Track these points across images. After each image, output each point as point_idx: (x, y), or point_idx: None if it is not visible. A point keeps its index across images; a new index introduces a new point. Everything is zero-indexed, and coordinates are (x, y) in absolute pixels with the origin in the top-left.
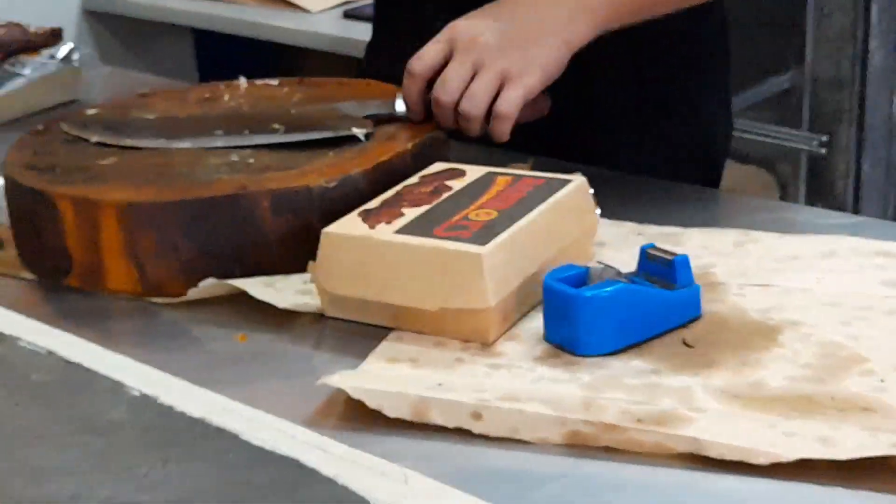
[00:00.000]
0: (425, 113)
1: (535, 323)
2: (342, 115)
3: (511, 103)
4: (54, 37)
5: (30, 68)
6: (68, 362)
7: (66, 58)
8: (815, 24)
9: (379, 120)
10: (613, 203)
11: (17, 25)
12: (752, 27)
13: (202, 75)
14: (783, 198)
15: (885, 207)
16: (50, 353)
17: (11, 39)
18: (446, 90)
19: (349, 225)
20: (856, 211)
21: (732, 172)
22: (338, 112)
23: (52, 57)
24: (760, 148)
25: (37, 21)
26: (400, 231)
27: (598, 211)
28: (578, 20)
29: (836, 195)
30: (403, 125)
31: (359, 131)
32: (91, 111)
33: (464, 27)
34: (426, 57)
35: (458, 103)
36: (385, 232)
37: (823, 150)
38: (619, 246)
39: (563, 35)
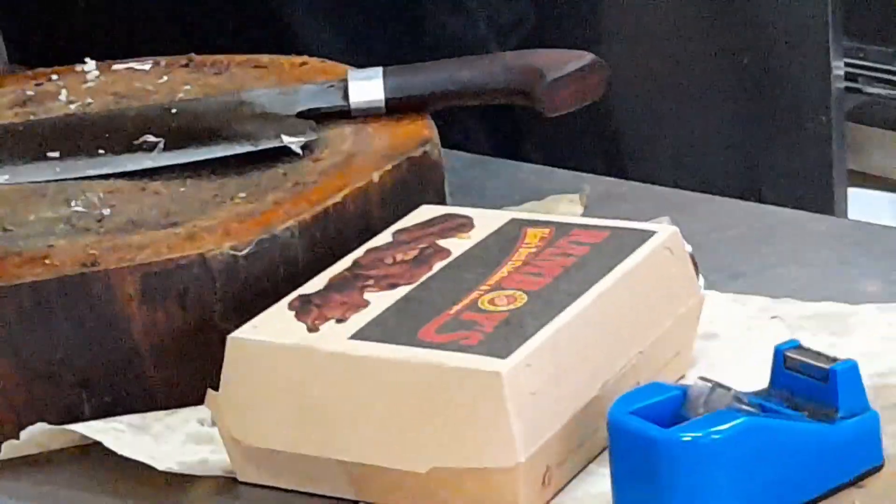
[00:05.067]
0: None
1: (598, 486)
2: (260, 114)
3: None
4: None
5: None
6: None
7: None
8: None
9: (319, 118)
10: (734, 257)
11: None
12: None
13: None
14: None
15: None
16: None
17: None
18: None
19: (274, 325)
20: None
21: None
22: (253, 108)
23: None
24: None
25: None
26: (360, 335)
27: (702, 281)
28: None
29: None
30: (364, 133)
31: (292, 140)
32: None
33: None
34: None
35: None
36: (336, 337)
37: None
38: (739, 341)
39: None
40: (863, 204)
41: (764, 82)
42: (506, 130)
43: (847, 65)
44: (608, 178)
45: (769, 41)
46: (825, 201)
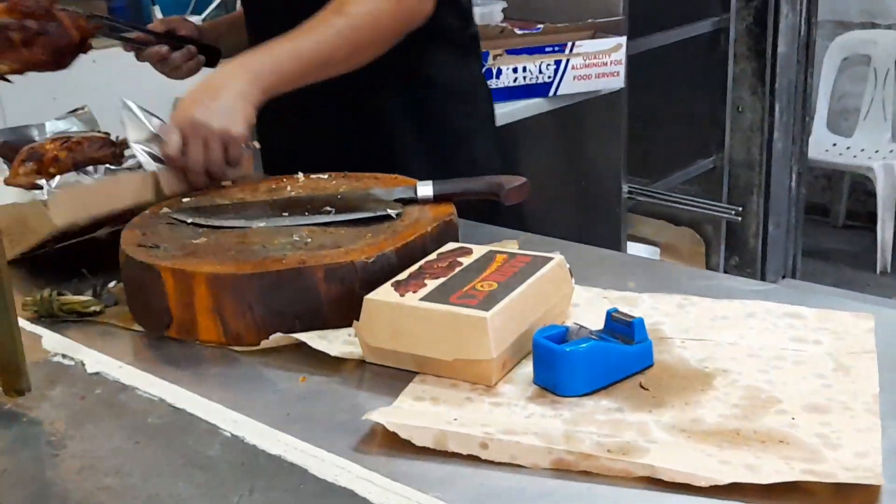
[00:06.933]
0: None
1: (527, 369)
2: (377, 199)
3: (234, 155)
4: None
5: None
6: (175, 408)
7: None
8: (732, 119)
9: (404, 202)
10: (583, 271)
11: (102, 136)
12: (683, 122)
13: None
14: (707, 252)
15: (785, 260)
16: (161, 400)
17: (88, 156)
18: (195, 164)
19: (384, 293)
20: (763, 262)
21: (669, 232)
22: (373, 197)
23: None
24: (691, 214)
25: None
26: (424, 298)
27: (573, 280)
28: (251, 87)
29: (748, 250)
30: (423, 210)
31: (392, 211)
32: (186, 199)
33: (181, 118)
34: (174, 145)
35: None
36: (412, 299)
37: (739, 218)
38: (589, 307)
39: (243, 99)
40: (633, 249)
41: (592, 194)
42: (482, 210)
43: (630, 187)
44: (527, 233)
45: (597, 173)
46: (617, 246)
